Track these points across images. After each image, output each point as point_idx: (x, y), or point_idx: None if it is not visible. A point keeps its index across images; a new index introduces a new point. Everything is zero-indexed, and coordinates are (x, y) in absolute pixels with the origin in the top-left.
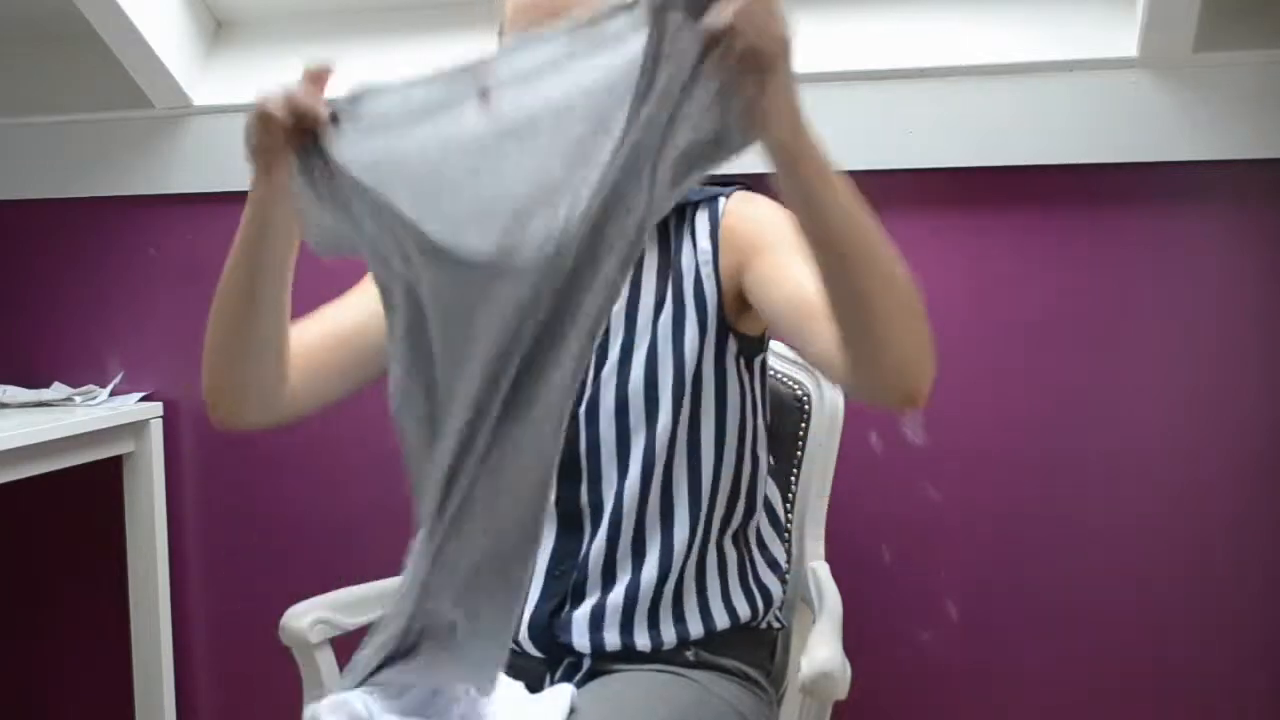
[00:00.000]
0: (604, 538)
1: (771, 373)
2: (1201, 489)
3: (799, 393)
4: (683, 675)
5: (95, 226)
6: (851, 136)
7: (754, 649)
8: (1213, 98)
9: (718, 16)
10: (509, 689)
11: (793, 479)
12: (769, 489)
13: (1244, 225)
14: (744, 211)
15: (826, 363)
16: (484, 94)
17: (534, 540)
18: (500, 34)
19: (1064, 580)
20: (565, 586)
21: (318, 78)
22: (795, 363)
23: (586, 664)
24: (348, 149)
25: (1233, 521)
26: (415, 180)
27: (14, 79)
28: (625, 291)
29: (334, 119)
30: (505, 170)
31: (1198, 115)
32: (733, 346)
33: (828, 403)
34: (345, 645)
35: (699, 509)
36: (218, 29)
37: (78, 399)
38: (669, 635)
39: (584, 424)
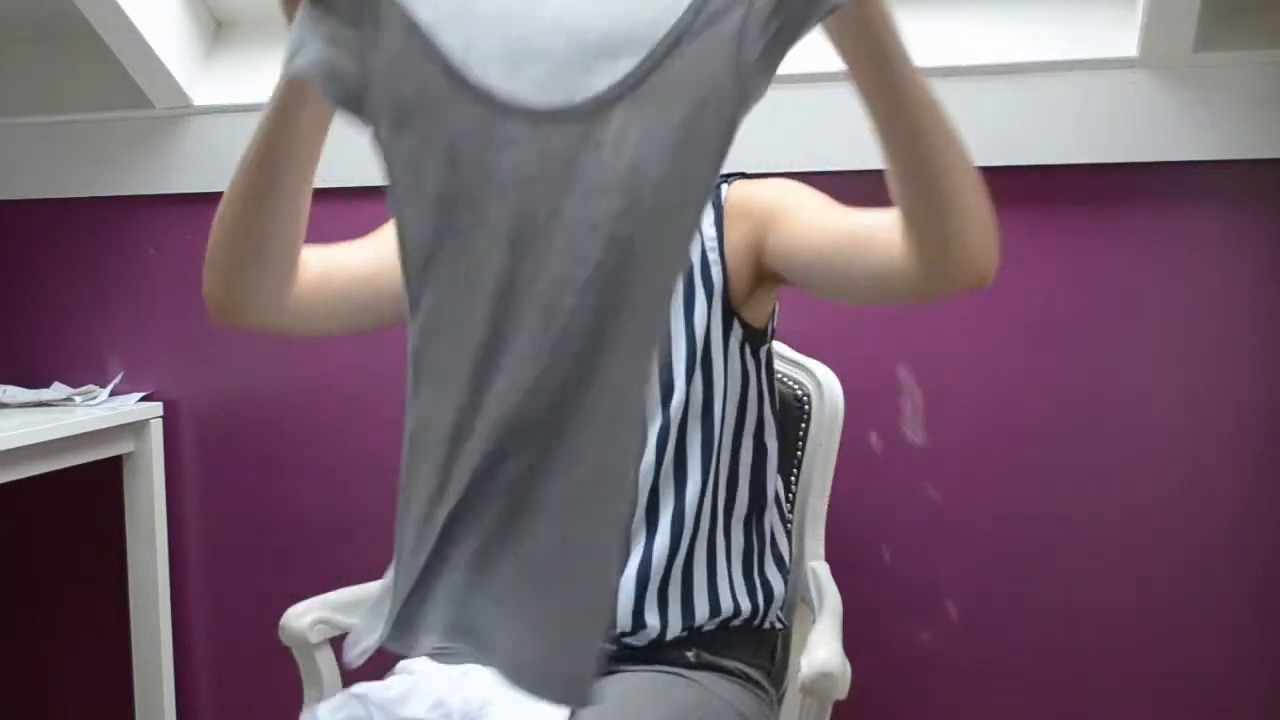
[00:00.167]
0: None
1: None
2: (1201, 489)
3: (799, 393)
4: (684, 676)
5: (95, 226)
6: (852, 136)
7: (755, 649)
8: (1213, 98)
9: None
10: (509, 690)
11: (793, 479)
12: (777, 484)
13: (1244, 225)
14: (749, 192)
15: (885, 274)
16: None
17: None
18: None
19: (1064, 580)
20: None
21: None
22: (795, 363)
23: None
24: None
25: (1233, 521)
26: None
27: (14, 79)
28: None
29: None
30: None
31: (1198, 115)
32: (738, 332)
33: (828, 403)
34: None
35: (709, 476)
36: (218, 29)
37: (78, 399)
38: (675, 619)
39: None
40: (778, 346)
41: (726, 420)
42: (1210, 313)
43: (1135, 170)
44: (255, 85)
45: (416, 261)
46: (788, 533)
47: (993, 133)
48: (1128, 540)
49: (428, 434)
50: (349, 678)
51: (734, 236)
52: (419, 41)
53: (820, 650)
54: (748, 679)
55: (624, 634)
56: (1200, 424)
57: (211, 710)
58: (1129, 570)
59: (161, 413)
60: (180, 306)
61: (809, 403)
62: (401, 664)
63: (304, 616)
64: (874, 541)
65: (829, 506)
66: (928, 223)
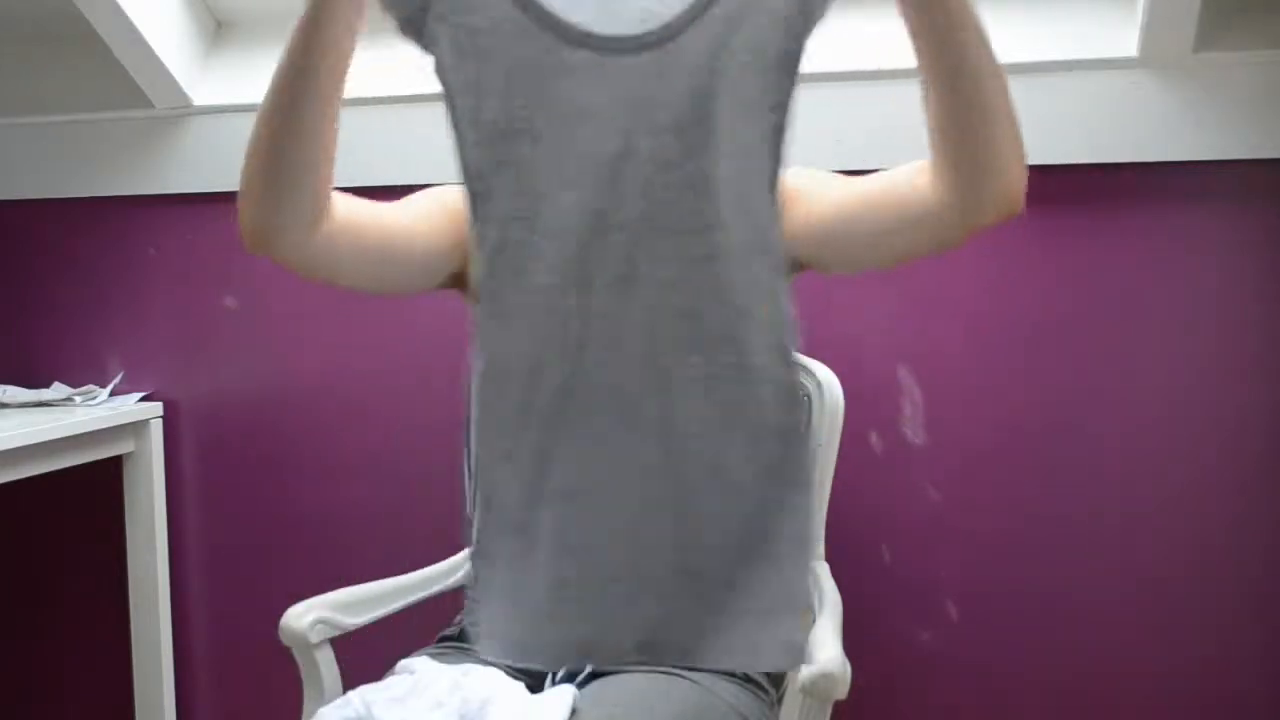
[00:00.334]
0: None
1: None
2: (1201, 489)
3: (799, 393)
4: (683, 676)
5: (95, 226)
6: (852, 136)
7: None
8: (1213, 98)
9: None
10: (510, 690)
11: None
12: None
13: (1244, 225)
14: None
15: (917, 218)
16: None
17: None
18: None
19: (1064, 580)
20: None
21: None
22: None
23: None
24: None
25: (1233, 521)
26: None
27: (14, 79)
28: None
29: None
30: None
31: (1198, 115)
32: None
33: (828, 402)
34: (345, 645)
35: None
36: (218, 29)
37: (78, 399)
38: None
39: None
40: None
41: None
42: (1210, 313)
43: (1135, 170)
44: (255, 85)
45: (477, 192)
46: None
47: None
48: (1128, 540)
49: (506, 382)
50: (349, 678)
51: None
52: None
53: (820, 650)
54: (748, 679)
55: None
56: (1200, 424)
57: (211, 710)
58: (1129, 570)
59: (161, 413)
60: (181, 306)
61: (809, 402)
62: (401, 664)
63: (304, 616)
64: (874, 541)
65: (829, 506)
66: (976, 152)
